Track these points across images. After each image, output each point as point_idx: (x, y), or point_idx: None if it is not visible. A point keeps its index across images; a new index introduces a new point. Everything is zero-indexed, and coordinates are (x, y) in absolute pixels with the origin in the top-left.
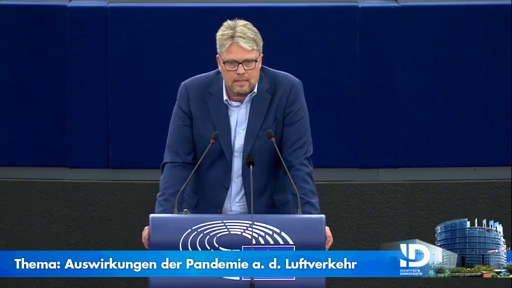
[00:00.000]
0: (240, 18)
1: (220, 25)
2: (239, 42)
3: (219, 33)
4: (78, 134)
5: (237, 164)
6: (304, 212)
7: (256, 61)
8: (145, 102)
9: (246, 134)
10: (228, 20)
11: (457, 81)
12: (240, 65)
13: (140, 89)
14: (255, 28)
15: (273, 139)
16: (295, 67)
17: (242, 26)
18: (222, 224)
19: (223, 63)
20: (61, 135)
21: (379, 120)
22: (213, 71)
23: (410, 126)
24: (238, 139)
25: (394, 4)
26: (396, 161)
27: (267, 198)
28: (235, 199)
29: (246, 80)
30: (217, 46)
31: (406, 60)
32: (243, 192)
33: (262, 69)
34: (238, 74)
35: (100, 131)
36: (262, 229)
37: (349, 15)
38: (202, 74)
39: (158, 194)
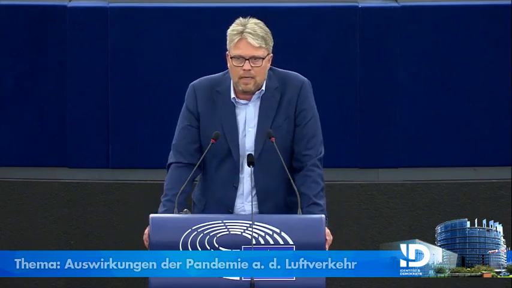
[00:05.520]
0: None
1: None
2: (247, 39)
3: (229, 29)
4: (78, 134)
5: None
6: (309, 213)
7: (263, 59)
8: (145, 102)
9: (256, 133)
10: (241, 17)
11: (456, 81)
12: (247, 61)
13: (140, 89)
14: (266, 28)
15: (273, 139)
16: (295, 67)
17: (253, 23)
18: (222, 224)
19: (231, 58)
20: (61, 135)
21: (379, 120)
22: (221, 72)
23: (410, 126)
24: (248, 138)
25: (394, 4)
26: (396, 161)
27: (280, 199)
28: (247, 198)
29: (252, 78)
30: (227, 42)
31: (406, 60)
32: (255, 190)
33: (271, 69)
34: (244, 70)
35: (100, 131)
36: (262, 229)
37: (349, 15)
38: (211, 75)
39: (162, 195)
